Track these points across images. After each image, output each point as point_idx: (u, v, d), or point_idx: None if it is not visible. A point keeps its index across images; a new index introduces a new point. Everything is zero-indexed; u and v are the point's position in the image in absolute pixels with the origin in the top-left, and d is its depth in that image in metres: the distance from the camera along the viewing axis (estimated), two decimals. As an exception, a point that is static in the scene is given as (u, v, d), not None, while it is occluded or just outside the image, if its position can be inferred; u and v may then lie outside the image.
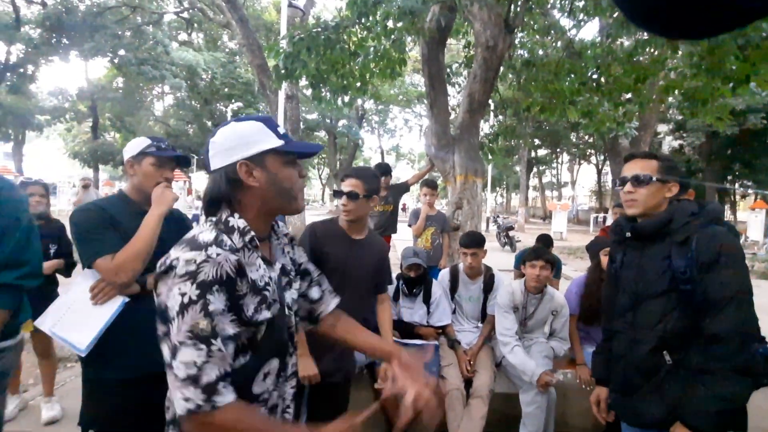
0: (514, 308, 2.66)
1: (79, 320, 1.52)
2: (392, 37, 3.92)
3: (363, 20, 4.21)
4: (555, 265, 2.88)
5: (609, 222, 8.61)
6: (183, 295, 0.85)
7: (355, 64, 4.45)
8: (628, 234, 1.55)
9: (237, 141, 0.99)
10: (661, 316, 1.43)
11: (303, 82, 4.83)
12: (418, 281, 2.83)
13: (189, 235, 0.95)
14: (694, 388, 1.36)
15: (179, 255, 0.88)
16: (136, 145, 1.66)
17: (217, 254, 0.90)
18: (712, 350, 1.33)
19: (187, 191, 17.19)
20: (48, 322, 1.55)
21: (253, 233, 0.99)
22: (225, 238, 0.94)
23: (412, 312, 2.85)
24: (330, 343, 1.79)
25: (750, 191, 22.56)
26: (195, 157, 32.06)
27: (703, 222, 1.42)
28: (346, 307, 1.79)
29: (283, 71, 4.49)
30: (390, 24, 4.22)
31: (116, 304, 1.53)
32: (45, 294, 2.77)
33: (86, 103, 24.48)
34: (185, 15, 20.34)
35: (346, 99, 4.92)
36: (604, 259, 2.72)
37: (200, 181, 40.93)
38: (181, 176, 15.14)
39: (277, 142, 1.00)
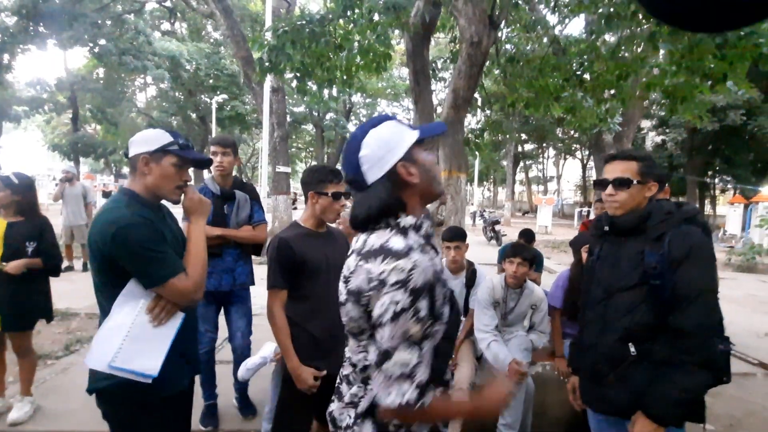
0: (495, 303, 2.70)
1: (141, 346, 1.34)
2: (377, 31, 3.90)
3: (348, 14, 4.19)
4: (533, 262, 2.93)
5: (592, 216, 8.79)
6: (396, 303, 0.89)
7: (340, 57, 4.42)
8: (606, 228, 1.61)
9: (388, 146, 1.00)
10: (630, 308, 1.49)
11: (289, 75, 4.79)
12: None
13: (376, 244, 0.96)
14: (658, 378, 1.41)
15: (384, 267, 0.91)
16: (153, 139, 1.43)
17: (421, 261, 0.92)
18: (677, 344, 1.39)
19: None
20: (102, 359, 1.32)
21: (426, 225, 1.03)
22: (412, 241, 0.97)
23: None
24: (332, 344, 1.78)
25: (729, 186, 23.14)
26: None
27: (678, 220, 1.48)
28: (334, 299, 1.81)
29: (267, 64, 4.45)
30: (376, 17, 4.21)
31: (178, 319, 1.42)
32: (23, 294, 2.67)
33: (65, 93, 23.83)
34: (168, 4, 19.91)
35: (333, 92, 4.89)
36: (585, 256, 2.77)
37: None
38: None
39: (415, 133, 1.02)
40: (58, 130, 29.79)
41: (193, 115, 26.97)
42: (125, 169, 22.12)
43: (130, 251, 1.32)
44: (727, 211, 18.05)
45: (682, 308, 1.38)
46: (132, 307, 1.36)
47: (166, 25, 23.82)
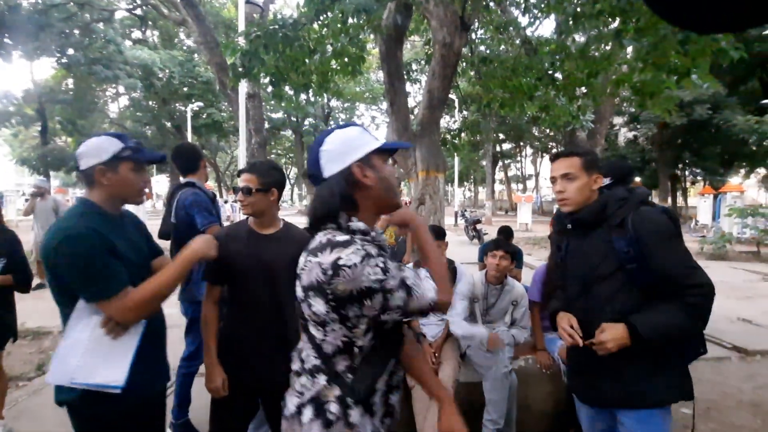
0: (475, 298, 2.73)
1: (101, 360, 1.31)
2: (349, 34, 3.91)
3: (321, 18, 4.18)
4: (515, 256, 2.96)
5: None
6: (375, 266, 0.99)
7: (315, 61, 4.41)
8: (569, 226, 1.64)
9: (348, 145, 1.08)
10: (609, 298, 1.51)
11: (264, 80, 4.75)
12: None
13: (323, 240, 1.04)
14: (649, 305, 1.46)
15: (340, 254, 0.99)
16: (104, 148, 1.39)
17: (363, 244, 1.02)
18: (686, 293, 1.42)
19: (146, 195, 16.52)
20: (62, 377, 1.30)
21: (373, 234, 1.09)
22: (357, 239, 1.04)
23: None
24: (264, 350, 1.75)
25: (699, 178, 23.93)
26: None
27: (634, 204, 1.53)
28: (268, 305, 1.74)
29: (240, 69, 4.40)
30: (350, 20, 4.21)
31: (139, 328, 1.38)
32: None
33: (33, 106, 23.09)
34: (138, 12, 19.51)
35: (309, 97, 4.87)
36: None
37: (161, 184, 39.54)
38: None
39: (378, 142, 1.11)
40: (26, 144, 28.84)
41: (168, 124, 26.46)
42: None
43: (70, 263, 1.28)
44: (697, 202, 18.68)
45: (683, 278, 1.42)
46: (86, 323, 1.33)
47: (137, 34, 23.34)
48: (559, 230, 1.74)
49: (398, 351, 1.18)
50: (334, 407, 1.08)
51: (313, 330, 1.09)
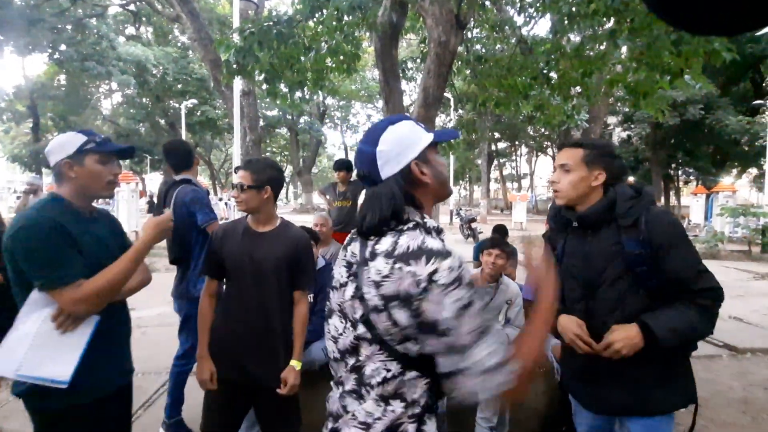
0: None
1: (48, 353, 1.30)
2: (344, 31, 3.90)
3: (316, 15, 4.17)
4: (510, 255, 2.97)
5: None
6: (458, 299, 0.88)
7: (309, 59, 4.39)
8: (575, 224, 1.52)
9: (404, 144, 1.01)
10: (617, 302, 1.41)
11: (258, 77, 4.72)
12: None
13: (412, 246, 0.92)
14: (663, 306, 1.38)
15: (432, 267, 0.88)
16: (68, 143, 1.44)
17: (463, 258, 0.94)
18: (697, 296, 1.36)
19: (140, 193, 16.41)
20: (8, 367, 1.30)
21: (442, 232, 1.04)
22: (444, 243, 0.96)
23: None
24: (249, 348, 1.76)
25: (692, 177, 24.13)
26: (149, 158, 30.73)
27: (646, 203, 1.43)
28: (254, 303, 1.77)
29: (234, 66, 4.37)
30: (345, 18, 4.20)
31: (91, 323, 1.36)
32: None
33: (25, 102, 22.85)
34: (131, 7, 19.35)
35: (304, 95, 4.86)
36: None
37: (154, 182, 39.28)
38: (133, 178, 14.43)
39: (430, 136, 1.04)
40: (17, 141, 28.51)
41: (162, 121, 26.31)
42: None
43: (26, 250, 1.30)
44: (690, 201, 18.83)
45: (694, 281, 1.37)
46: (37, 316, 1.33)
47: (130, 30, 23.15)
48: (556, 228, 1.63)
49: None
50: (411, 428, 0.97)
51: (388, 344, 0.96)
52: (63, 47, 17.40)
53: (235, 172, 1.90)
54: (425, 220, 1.01)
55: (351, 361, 1.01)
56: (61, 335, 1.33)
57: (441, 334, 0.89)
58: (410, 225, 0.98)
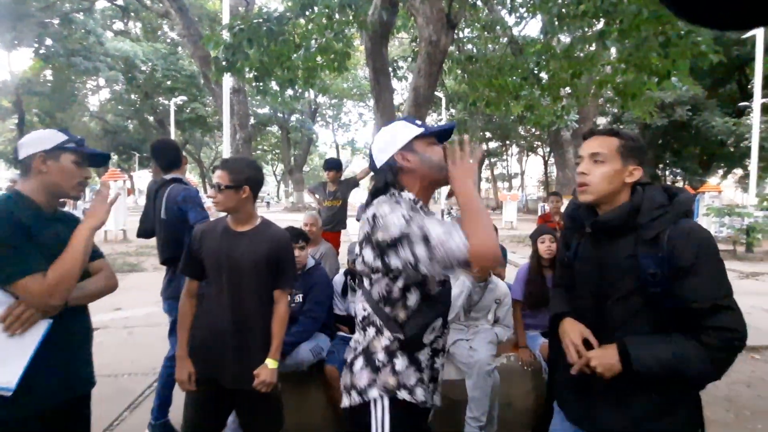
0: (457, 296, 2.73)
1: None
2: (334, 29, 3.88)
3: (307, 12, 4.14)
4: (498, 255, 2.98)
5: (546, 210, 9.10)
6: (401, 216, 1.15)
7: (300, 57, 4.37)
8: (588, 230, 1.34)
9: (390, 139, 1.30)
10: (624, 320, 1.25)
11: (248, 74, 4.69)
12: (365, 276, 2.84)
13: (371, 204, 1.26)
14: (655, 335, 1.21)
15: (377, 207, 1.20)
16: (48, 138, 1.42)
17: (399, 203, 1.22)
18: (705, 331, 1.15)
19: (128, 191, 16.19)
20: None
21: (421, 202, 1.30)
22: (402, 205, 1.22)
23: (361, 307, 2.86)
24: (225, 348, 1.75)
25: (679, 177, 24.49)
26: (137, 155, 30.36)
27: (676, 216, 1.22)
28: (233, 303, 1.75)
29: (224, 63, 4.33)
30: (335, 16, 4.18)
31: (41, 328, 1.31)
32: None
33: (10, 98, 22.42)
34: (120, 2, 19.07)
35: (296, 93, 4.83)
36: (541, 247, 2.85)
37: (143, 180, 38.81)
38: (121, 175, 14.23)
39: (418, 130, 1.29)
40: (2, 137, 27.98)
41: (151, 118, 25.99)
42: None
43: None
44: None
45: (710, 317, 1.15)
46: None
47: (119, 25, 22.82)
48: (572, 227, 1.44)
49: (446, 312, 1.34)
50: (381, 356, 1.25)
51: (365, 282, 1.27)
52: (49, 42, 17.10)
53: (212, 172, 1.89)
54: (402, 194, 1.28)
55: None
56: (10, 338, 1.28)
57: (395, 245, 1.14)
58: (387, 195, 1.27)
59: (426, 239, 1.11)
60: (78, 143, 1.46)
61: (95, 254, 1.56)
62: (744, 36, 14.66)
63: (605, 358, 1.21)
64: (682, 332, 1.18)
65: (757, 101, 13.50)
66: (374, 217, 1.19)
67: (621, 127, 20.82)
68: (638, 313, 1.23)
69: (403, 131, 1.29)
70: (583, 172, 1.30)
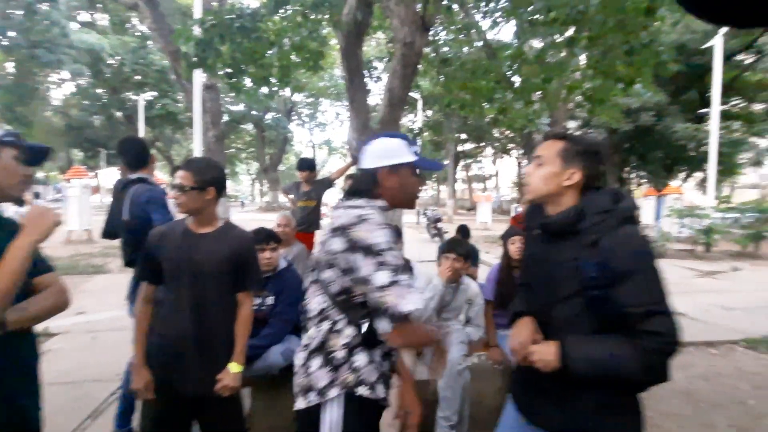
0: (430, 298, 2.76)
1: None
2: (308, 27, 3.85)
3: (281, 10, 4.10)
4: (468, 257, 3.03)
5: (520, 211, 9.30)
6: (387, 239, 1.21)
7: (274, 54, 4.32)
8: (538, 231, 1.39)
9: (384, 152, 1.36)
10: (569, 320, 1.28)
11: (221, 71, 4.59)
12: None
13: (358, 203, 1.32)
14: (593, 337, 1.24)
15: (369, 213, 1.26)
16: None
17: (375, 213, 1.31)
18: (639, 335, 1.18)
19: (92, 190, 15.54)
20: None
21: (389, 213, 1.38)
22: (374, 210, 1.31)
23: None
24: (185, 354, 1.69)
25: (644, 180, 25.46)
26: (104, 152, 29.24)
27: (616, 222, 1.24)
28: (194, 307, 1.70)
29: (194, 59, 4.23)
30: (311, 15, 4.15)
31: None
32: None
33: (-34, 90, 21.21)
34: (86, -7, 18.35)
35: (270, 90, 4.76)
36: (511, 248, 2.92)
37: (109, 177, 37.39)
38: (85, 173, 13.67)
39: (411, 158, 1.37)
40: (-44, 131, 26.38)
41: (119, 114, 25.07)
42: (38, 174, 19.99)
43: None
44: (641, 203, 19.87)
45: (646, 321, 1.17)
46: None
47: (85, 16, 21.93)
48: (529, 227, 1.48)
49: None
50: (340, 353, 1.25)
51: (325, 273, 1.28)
52: (11, 33, 16.28)
53: (172, 174, 1.83)
54: (376, 201, 1.35)
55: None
56: None
57: (371, 253, 1.19)
58: (365, 200, 1.34)
59: (394, 271, 1.17)
60: (17, 136, 1.32)
61: (44, 268, 1.37)
62: (703, 47, 15.36)
63: (543, 354, 1.25)
64: (623, 335, 1.19)
65: (716, 108, 14.17)
66: (360, 217, 1.23)
67: (590, 131, 21.55)
68: (580, 315, 1.26)
69: (399, 152, 1.36)
70: (527, 174, 1.40)
